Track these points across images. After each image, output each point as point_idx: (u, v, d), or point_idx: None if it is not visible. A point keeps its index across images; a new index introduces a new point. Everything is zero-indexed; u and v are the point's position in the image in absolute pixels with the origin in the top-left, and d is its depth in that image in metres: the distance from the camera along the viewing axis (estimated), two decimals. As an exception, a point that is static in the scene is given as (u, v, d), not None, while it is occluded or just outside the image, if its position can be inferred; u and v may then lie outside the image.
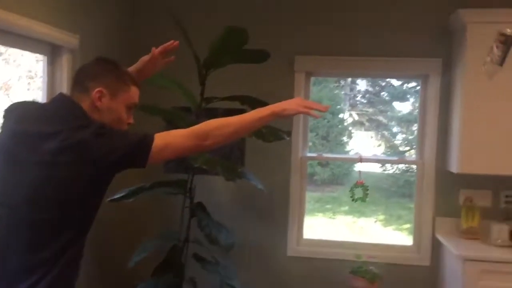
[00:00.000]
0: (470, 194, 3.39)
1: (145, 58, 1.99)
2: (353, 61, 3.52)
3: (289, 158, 3.58)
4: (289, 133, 2.95)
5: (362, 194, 3.46)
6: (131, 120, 1.73)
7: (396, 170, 6.03)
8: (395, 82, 5.62)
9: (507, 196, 3.40)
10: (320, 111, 1.68)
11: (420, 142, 3.59)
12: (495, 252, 3.03)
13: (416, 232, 3.56)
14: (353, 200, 3.46)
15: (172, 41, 1.98)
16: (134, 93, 1.73)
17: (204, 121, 1.68)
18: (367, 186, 3.47)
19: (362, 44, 3.52)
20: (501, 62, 2.65)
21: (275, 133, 2.85)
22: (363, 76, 3.86)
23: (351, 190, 3.45)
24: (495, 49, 2.65)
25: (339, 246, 3.65)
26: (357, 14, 3.53)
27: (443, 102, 3.47)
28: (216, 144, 1.62)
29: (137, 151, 1.54)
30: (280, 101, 1.76)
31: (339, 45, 3.54)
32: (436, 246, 3.45)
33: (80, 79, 1.69)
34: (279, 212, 3.61)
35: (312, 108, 1.67)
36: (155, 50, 1.96)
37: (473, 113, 3.14)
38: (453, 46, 3.39)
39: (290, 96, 3.50)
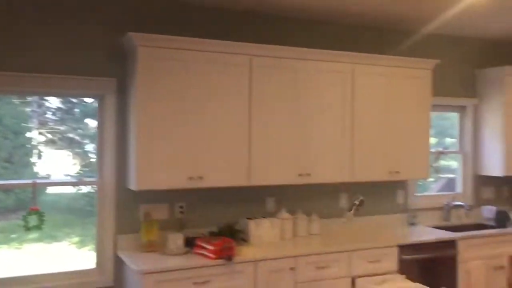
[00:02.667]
0: (149, 209, 3.56)
1: None
2: (17, 78, 3.23)
3: None
4: None
5: (37, 222, 3.20)
6: None
7: (90, 188, 5.80)
8: (88, 99, 5.42)
9: (180, 207, 3.71)
10: None
11: (99, 162, 3.57)
12: (171, 261, 3.23)
13: (99, 253, 3.51)
14: (26, 229, 3.16)
15: None
16: None
17: None
18: (43, 213, 3.23)
19: (30, 60, 3.27)
20: (355, 212, 3.72)
21: None
22: (30, 94, 3.56)
23: (24, 218, 3.14)
24: (354, 207, 3.76)
25: (14, 282, 3.27)
26: (27, 27, 3.27)
27: (120, 121, 3.54)
28: None
29: None
30: None
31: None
32: (119, 265, 3.47)
33: None
34: None
35: None
36: None
37: (147, 132, 3.30)
38: (127, 66, 3.51)
39: None
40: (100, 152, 3.55)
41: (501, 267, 4.29)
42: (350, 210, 3.40)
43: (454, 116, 5.16)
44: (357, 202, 3.42)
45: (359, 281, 3.60)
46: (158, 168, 3.33)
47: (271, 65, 3.69)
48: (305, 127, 3.82)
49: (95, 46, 3.46)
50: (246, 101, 3.61)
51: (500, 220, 4.66)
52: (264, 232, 3.76)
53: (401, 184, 4.62)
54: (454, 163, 5.21)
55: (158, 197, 3.61)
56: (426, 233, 4.27)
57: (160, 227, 3.51)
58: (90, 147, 6.96)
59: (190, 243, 3.44)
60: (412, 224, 4.59)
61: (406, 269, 3.83)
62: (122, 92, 3.53)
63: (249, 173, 3.62)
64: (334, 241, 3.86)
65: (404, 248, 3.89)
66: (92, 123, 6.85)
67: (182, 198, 3.72)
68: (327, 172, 3.91)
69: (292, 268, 3.46)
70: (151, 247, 3.43)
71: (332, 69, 3.92)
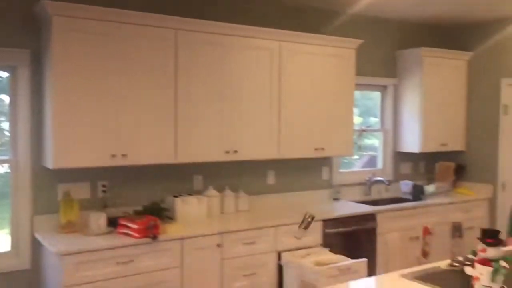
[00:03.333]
0: (68, 188, 3.40)
1: None
2: None
3: None
4: None
5: None
6: None
7: (7, 168, 5.45)
8: (3, 74, 5.05)
9: (103, 186, 3.58)
10: None
11: (13, 139, 3.34)
12: (92, 241, 3.11)
13: (14, 235, 3.32)
14: None
15: None
16: None
17: None
18: None
19: None
20: (306, 228, 3.55)
21: None
22: None
23: None
24: (303, 224, 3.57)
25: None
26: None
27: (36, 95, 3.33)
28: None
29: None
30: None
31: None
32: (37, 247, 3.31)
33: None
34: None
35: None
36: None
37: (64, 107, 3.13)
38: (42, 37, 3.29)
39: None
40: (13, 128, 3.33)
41: (416, 237, 4.59)
42: (302, 226, 3.51)
43: (378, 96, 5.36)
44: (310, 219, 3.53)
45: (284, 255, 3.69)
46: (77, 145, 3.18)
47: (197, 40, 3.61)
48: (232, 104, 3.80)
49: (6, 14, 3.20)
50: (172, 76, 3.52)
51: (416, 194, 4.94)
52: (191, 210, 3.73)
53: (326, 161, 4.76)
54: (376, 141, 5.44)
55: (78, 176, 3.46)
56: (349, 207, 4.44)
57: (81, 207, 3.37)
58: (6, 125, 6.52)
59: (113, 222, 3.34)
60: (336, 199, 4.75)
61: (329, 242, 3.97)
62: (37, 64, 3.31)
63: (175, 150, 3.55)
64: (260, 217, 3.91)
65: (328, 222, 4.03)
66: (7, 99, 6.39)
67: (105, 176, 3.59)
68: (254, 149, 3.94)
69: (218, 245, 3.47)
70: (71, 228, 3.29)
71: (259, 46, 3.92)
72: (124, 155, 3.34)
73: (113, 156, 3.30)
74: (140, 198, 3.69)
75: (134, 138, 3.38)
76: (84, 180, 3.51)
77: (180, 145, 3.57)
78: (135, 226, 3.19)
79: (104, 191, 3.58)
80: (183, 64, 3.55)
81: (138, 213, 3.51)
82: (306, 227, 3.51)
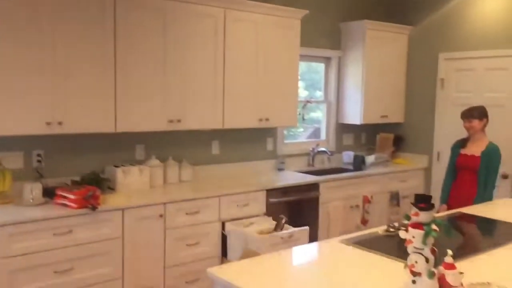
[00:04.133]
0: (0, 157, 3.21)
1: None
2: None
3: None
4: None
5: None
6: None
7: None
8: None
9: (38, 155, 3.42)
10: None
11: None
12: (26, 212, 2.98)
13: None
14: None
15: None
16: None
17: None
18: None
19: None
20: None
21: None
22: None
23: None
24: (278, 228, 3.55)
25: None
26: None
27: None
28: None
29: None
30: None
31: None
32: (-35, 219, 3.13)
33: None
34: None
35: None
36: None
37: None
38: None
39: None
40: None
41: (357, 206, 4.74)
42: (278, 229, 3.49)
43: (322, 68, 5.40)
44: (284, 222, 3.53)
45: (228, 225, 3.70)
46: (8, 111, 3.01)
47: (137, 5, 3.47)
48: (175, 72, 3.70)
49: None
50: (111, 42, 3.36)
51: (357, 164, 5.09)
52: (133, 180, 3.64)
53: (271, 132, 4.78)
54: (321, 114, 5.51)
55: (11, 144, 3.28)
56: (292, 177, 4.50)
57: (14, 178, 3.21)
58: None
59: (50, 193, 3.21)
60: (281, 169, 4.80)
61: (273, 211, 4.02)
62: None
63: (114, 119, 3.43)
64: (204, 187, 3.89)
65: (271, 192, 4.07)
66: None
67: (40, 145, 3.42)
68: (198, 118, 3.88)
69: (161, 215, 3.42)
70: (3, 199, 3.12)
71: (203, 12, 3.81)
72: (60, 123, 3.19)
73: (48, 124, 3.15)
74: (79, 168, 3.56)
75: (70, 106, 3.23)
76: (17, 149, 3.33)
77: (120, 113, 3.45)
78: (72, 197, 3.08)
79: (39, 161, 3.42)
80: (123, 29, 3.40)
81: (76, 183, 3.39)
82: (279, 230, 3.55)
